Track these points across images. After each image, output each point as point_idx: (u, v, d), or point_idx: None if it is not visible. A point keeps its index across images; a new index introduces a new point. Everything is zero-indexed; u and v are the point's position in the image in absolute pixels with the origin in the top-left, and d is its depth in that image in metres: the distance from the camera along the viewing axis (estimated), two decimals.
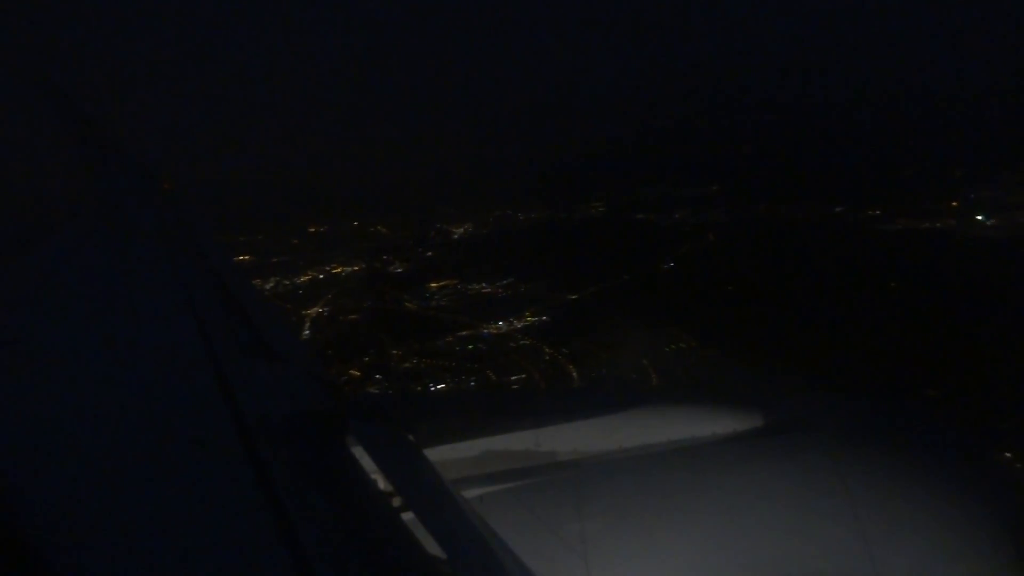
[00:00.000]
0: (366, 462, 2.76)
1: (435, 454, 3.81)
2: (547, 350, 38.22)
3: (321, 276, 63.71)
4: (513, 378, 34.73)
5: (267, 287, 56.47)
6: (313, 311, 51.71)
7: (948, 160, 75.83)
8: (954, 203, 59.14)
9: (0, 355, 3.24)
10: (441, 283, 55.45)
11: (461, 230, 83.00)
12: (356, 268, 66.67)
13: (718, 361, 34.37)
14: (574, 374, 34.43)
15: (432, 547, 2.28)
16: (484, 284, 54.08)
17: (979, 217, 54.18)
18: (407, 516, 2.57)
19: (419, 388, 33.53)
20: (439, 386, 33.80)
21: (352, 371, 36.53)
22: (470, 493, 3.93)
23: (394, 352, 39.22)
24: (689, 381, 32.45)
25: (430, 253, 70.59)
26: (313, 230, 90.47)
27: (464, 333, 42.51)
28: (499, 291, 52.28)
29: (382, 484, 2.82)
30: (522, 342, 40.31)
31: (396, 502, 2.73)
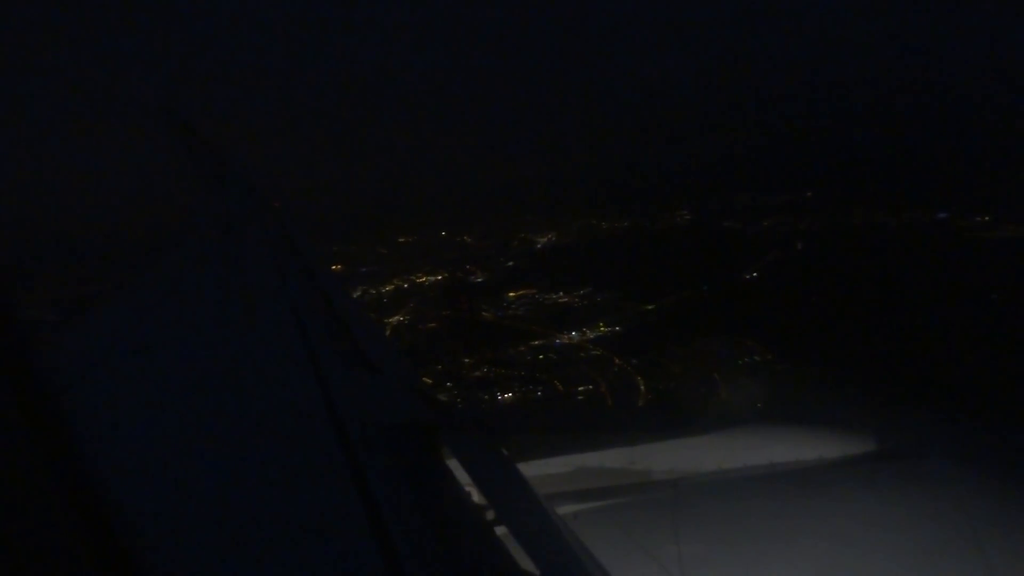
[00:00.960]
0: (461, 475, 2.82)
1: (529, 469, 3.81)
2: (617, 361, 37.92)
3: (405, 285, 65.60)
4: (580, 389, 34.66)
5: (354, 296, 58.74)
6: (395, 319, 53.36)
7: None
8: None
9: (125, 362, 3.60)
10: (519, 292, 55.97)
11: (544, 239, 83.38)
12: (439, 277, 68.23)
13: (792, 376, 33.04)
14: (641, 387, 33.99)
15: (525, 562, 2.32)
16: (561, 294, 54.16)
17: None
18: (500, 530, 2.63)
19: (487, 396, 34.03)
20: (506, 395, 34.20)
21: (425, 378, 37.52)
22: (564, 510, 3.92)
23: (466, 360, 39.94)
24: (761, 396, 31.39)
25: (511, 263, 71.29)
26: (402, 240, 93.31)
27: (536, 343, 42.79)
28: (575, 301, 52.23)
29: (476, 497, 2.87)
30: (593, 352, 40.16)
31: (489, 516, 2.78)
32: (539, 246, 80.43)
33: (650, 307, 48.29)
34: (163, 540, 1.93)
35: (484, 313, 52.09)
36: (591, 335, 43.21)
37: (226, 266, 5.85)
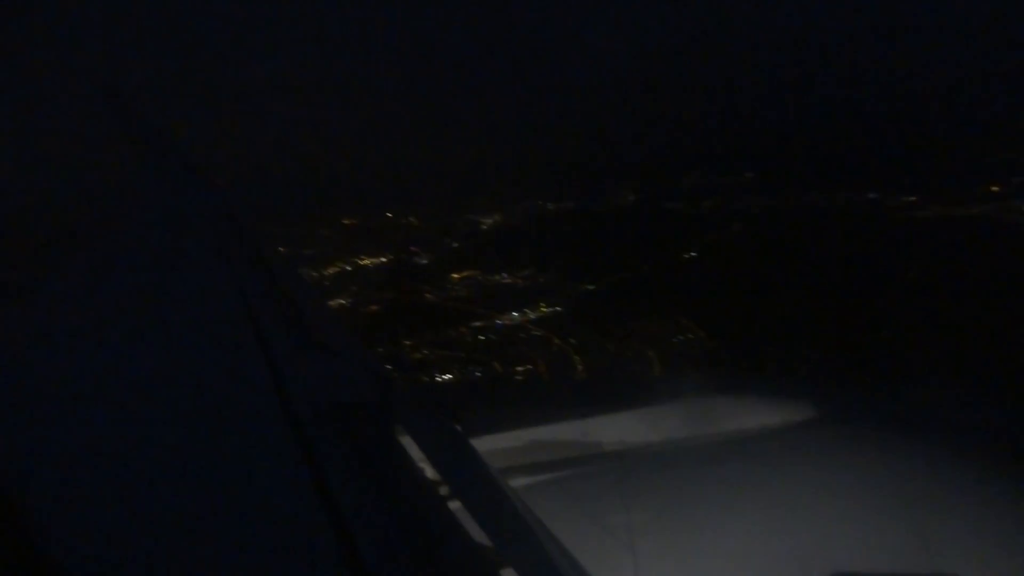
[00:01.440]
0: (414, 451, 2.81)
1: (482, 444, 3.81)
2: (556, 341, 38.25)
3: (348, 268, 64.76)
4: (519, 369, 34.87)
5: None
6: (336, 303, 52.68)
7: (993, 143, 72.70)
8: (994, 188, 56.81)
9: (58, 344, 3.42)
10: (463, 274, 55.88)
11: (490, 220, 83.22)
12: (383, 260, 67.55)
13: (724, 352, 33.88)
14: (579, 366, 34.38)
15: (479, 536, 2.32)
16: (504, 275, 54.26)
17: (1020, 203, 51.88)
18: (454, 505, 2.63)
19: (426, 378, 33.94)
20: (445, 376, 34.19)
21: None
22: (517, 482, 3.93)
23: (406, 343, 39.77)
24: (692, 372, 32.10)
25: (456, 244, 71.01)
26: (346, 222, 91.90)
27: (478, 324, 42.84)
28: (519, 282, 52.41)
29: (429, 473, 2.86)
30: (533, 333, 40.43)
31: (443, 491, 2.78)
32: (484, 227, 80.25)
33: (591, 287, 48.78)
34: (112, 526, 1.87)
35: (427, 295, 51.87)
36: (532, 316, 43.46)
37: (167, 245, 5.66)
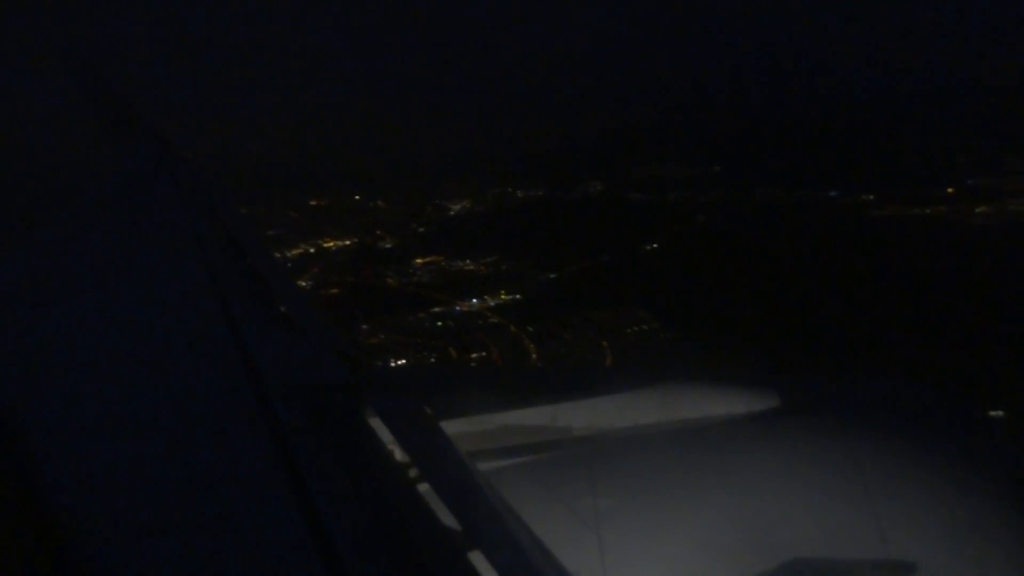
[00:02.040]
0: (384, 434, 2.79)
1: (452, 427, 3.81)
2: (512, 328, 38.44)
3: (312, 250, 64.21)
4: (473, 355, 35.00)
5: None
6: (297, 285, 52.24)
7: (952, 146, 74.28)
8: (950, 190, 58.14)
9: (20, 321, 3.34)
10: (426, 259, 55.73)
11: (458, 207, 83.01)
12: (348, 243, 67.08)
13: (682, 343, 34.34)
14: (533, 354, 34.61)
15: (448, 518, 2.32)
16: (468, 261, 54.25)
17: (973, 205, 53.21)
18: (423, 488, 2.63)
19: (380, 363, 33.89)
20: (400, 361, 34.18)
21: None
22: (486, 466, 3.93)
23: (363, 327, 39.63)
24: (643, 362, 32.57)
25: (422, 229, 70.77)
26: (313, 204, 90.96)
27: (437, 310, 42.83)
28: (481, 269, 52.47)
29: (399, 455, 2.85)
30: (491, 320, 40.55)
31: (413, 473, 2.76)
32: (452, 213, 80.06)
33: (553, 276, 49.01)
34: (81, 508, 1.88)
35: (389, 280, 51.67)
36: (491, 303, 43.58)
37: (135, 219, 5.54)
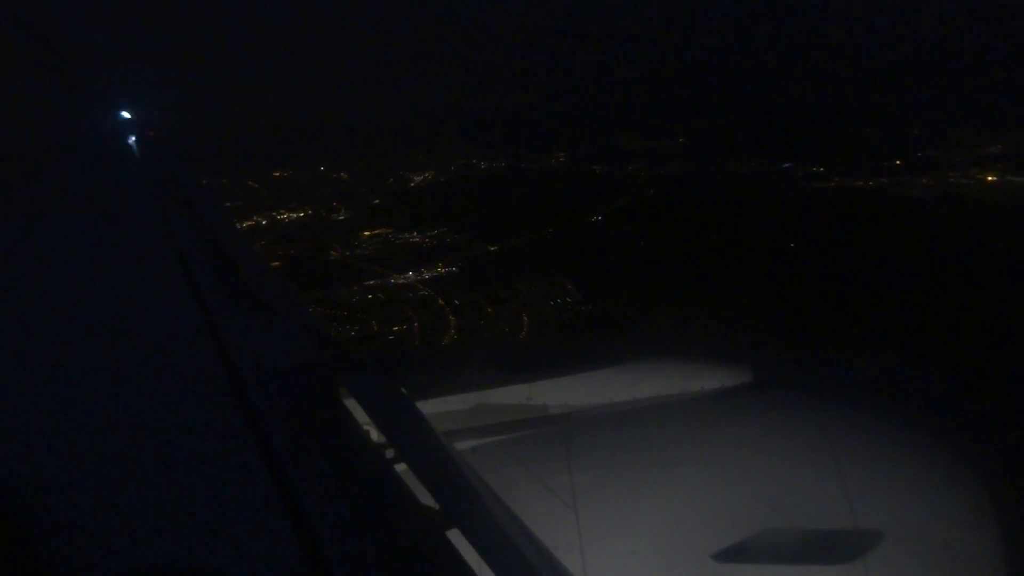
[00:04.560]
0: (359, 414, 2.77)
1: (428, 407, 3.84)
2: (440, 301, 38.62)
3: (264, 222, 64.06)
4: (394, 328, 35.23)
5: None
6: None
7: (912, 118, 74.28)
8: (898, 162, 58.34)
9: None
10: (375, 231, 55.66)
11: (420, 178, 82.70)
12: (302, 215, 66.89)
13: (597, 316, 34.62)
14: (452, 328, 34.86)
15: (425, 498, 2.34)
16: (415, 233, 54.22)
17: (915, 178, 53.46)
18: (400, 467, 2.62)
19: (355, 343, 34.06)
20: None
21: None
22: (462, 445, 3.99)
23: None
24: (560, 335, 32.82)
25: (378, 201, 70.57)
26: (277, 174, 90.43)
27: (371, 283, 42.91)
28: (427, 241, 52.46)
29: (375, 436, 2.83)
30: (421, 292, 40.69)
31: (389, 454, 2.75)
32: (412, 185, 79.81)
33: (494, 248, 49.08)
34: (45, 498, 1.83)
35: (332, 252, 51.62)
36: (427, 275, 43.67)
37: (97, 196, 5.37)
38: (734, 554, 3.74)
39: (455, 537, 2.19)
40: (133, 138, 7.71)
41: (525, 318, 34.79)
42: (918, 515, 3.89)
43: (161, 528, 1.79)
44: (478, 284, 41.03)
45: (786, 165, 64.51)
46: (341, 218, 64.25)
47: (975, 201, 47.54)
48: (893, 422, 4.34)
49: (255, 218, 64.68)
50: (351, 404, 2.80)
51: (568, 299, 37.31)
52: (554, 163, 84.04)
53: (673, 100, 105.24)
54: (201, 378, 2.58)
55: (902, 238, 44.68)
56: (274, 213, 66.79)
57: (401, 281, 43.00)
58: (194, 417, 2.34)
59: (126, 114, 8.78)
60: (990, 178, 50.29)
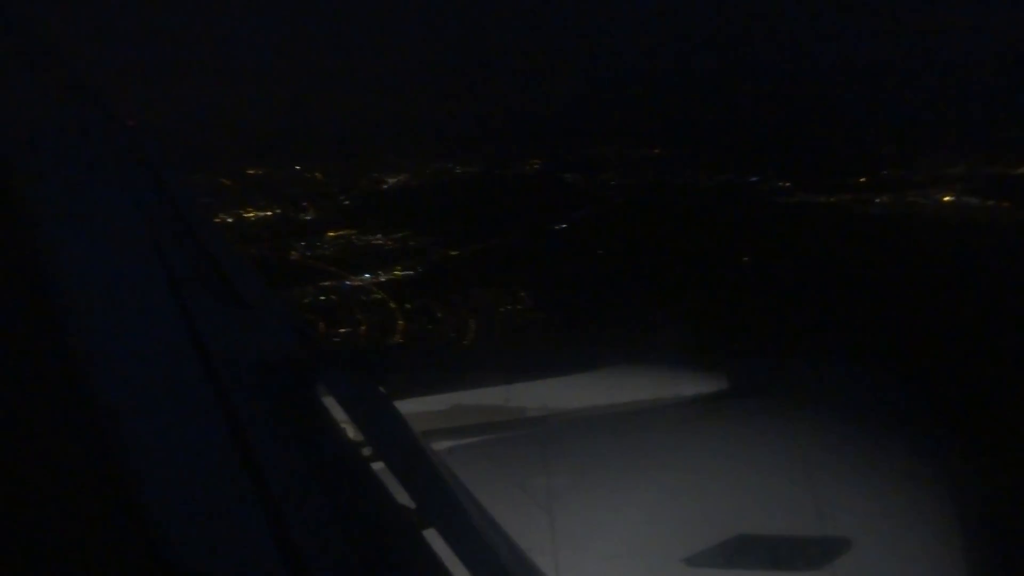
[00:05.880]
0: (336, 412, 2.79)
1: (405, 406, 3.83)
2: (392, 305, 38.59)
3: (230, 220, 63.52)
4: (340, 331, 35.15)
5: None
6: None
7: (884, 137, 75.01)
8: (861, 179, 58.94)
9: None
10: (339, 232, 55.51)
11: (394, 180, 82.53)
12: (269, 214, 66.48)
13: (543, 324, 34.73)
14: (399, 332, 34.84)
15: (401, 497, 2.34)
16: (379, 236, 54.12)
17: (875, 195, 54.08)
18: (377, 466, 2.62)
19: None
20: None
21: None
22: (439, 445, 3.96)
23: None
24: (504, 342, 32.91)
25: (347, 202, 70.36)
26: (250, 172, 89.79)
27: (326, 284, 42.81)
28: (389, 244, 52.37)
29: (352, 434, 2.84)
30: (374, 296, 40.64)
31: (366, 452, 2.75)
32: (385, 187, 79.60)
33: (454, 253, 49.11)
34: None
35: (292, 253, 51.41)
36: (383, 278, 43.61)
37: (73, 187, 5.29)
38: (706, 559, 3.76)
39: (431, 537, 2.24)
40: (108, 124, 7.54)
41: (472, 324, 34.79)
42: (886, 522, 3.95)
43: (137, 524, 1.82)
44: (433, 289, 41.06)
45: (753, 179, 65.03)
46: (308, 218, 63.96)
47: (929, 219, 48.35)
48: (862, 429, 4.45)
49: (220, 216, 64.10)
50: (329, 401, 2.87)
51: (519, 306, 37.39)
52: (528, 170, 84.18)
53: (654, 108, 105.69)
54: (178, 373, 2.63)
55: (863, 253, 45.22)
56: (241, 211, 66.32)
57: (356, 283, 42.92)
58: (171, 413, 2.38)
59: (104, 103, 8.53)
60: (947, 198, 51.01)
